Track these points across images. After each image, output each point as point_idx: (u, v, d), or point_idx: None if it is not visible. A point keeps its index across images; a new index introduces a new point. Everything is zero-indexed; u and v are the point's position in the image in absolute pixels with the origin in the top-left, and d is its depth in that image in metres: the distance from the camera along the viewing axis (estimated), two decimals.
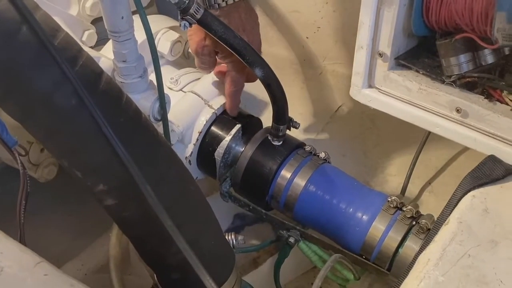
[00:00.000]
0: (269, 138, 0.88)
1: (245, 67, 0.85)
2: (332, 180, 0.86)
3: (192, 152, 0.90)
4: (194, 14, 0.71)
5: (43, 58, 0.54)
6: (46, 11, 0.58)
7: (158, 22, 1.00)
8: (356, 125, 1.20)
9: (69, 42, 0.58)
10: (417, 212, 0.80)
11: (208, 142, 0.90)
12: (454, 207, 0.70)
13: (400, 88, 0.81)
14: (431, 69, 0.79)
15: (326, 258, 0.86)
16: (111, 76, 0.71)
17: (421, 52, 0.82)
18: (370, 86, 0.84)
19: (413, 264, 0.67)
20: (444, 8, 0.74)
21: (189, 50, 0.90)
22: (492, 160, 0.74)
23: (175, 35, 0.98)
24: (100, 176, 0.60)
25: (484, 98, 0.75)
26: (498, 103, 0.74)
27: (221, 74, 0.91)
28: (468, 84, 0.76)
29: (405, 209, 0.80)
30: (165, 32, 0.99)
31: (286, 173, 0.86)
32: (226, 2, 0.81)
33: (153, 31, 0.71)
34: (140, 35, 0.73)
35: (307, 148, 0.89)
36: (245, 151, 0.88)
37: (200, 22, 0.73)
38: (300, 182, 0.85)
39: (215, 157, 0.89)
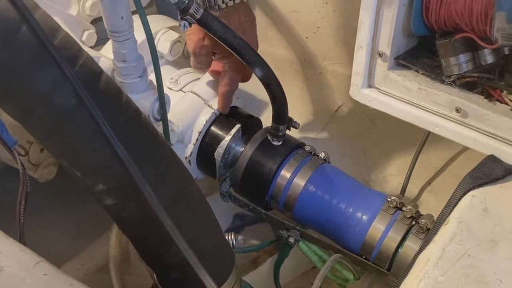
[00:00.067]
0: (269, 138, 0.88)
1: (241, 68, 0.85)
2: (332, 180, 0.86)
3: (192, 152, 0.90)
4: (194, 14, 0.71)
5: (42, 58, 0.54)
6: (45, 11, 0.58)
7: (157, 22, 1.00)
8: (356, 125, 1.20)
9: (69, 41, 0.58)
10: (417, 212, 0.80)
11: (208, 142, 0.90)
12: (453, 207, 0.70)
13: (399, 88, 0.81)
14: (431, 69, 0.79)
15: (326, 258, 0.86)
16: (110, 76, 0.71)
17: (421, 52, 0.82)
18: (370, 86, 0.84)
19: (413, 264, 0.67)
20: (443, 8, 0.74)
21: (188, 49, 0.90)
22: (491, 160, 0.74)
23: (174, 35, 0.98)
24: (99, 176, 0.60)
25: (484, 98, 0.75)
26: (497, 103, 0.74)
27: (216, 74, 0.91)
28: (467, 84, 0.76)
29: (404, 209, 0.80)
30: (165, 32, 0.99)
31: (286, 173, 0.86)
32: (226, 4, 0.81)
33: (152, 31, 0.71)
34: (139, 35, 0.73)
35: (307, 148, 0.89)
36: (245, 151, 0.88)
37: (200, 22, 0.73)
38: (300, 182, 0.85)
39: (215, 157, 0.89)
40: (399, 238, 0.78)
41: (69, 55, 0.56)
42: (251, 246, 0.98)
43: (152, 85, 0.79)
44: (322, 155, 0.89)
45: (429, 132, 0.88)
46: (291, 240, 0.88)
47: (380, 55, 0.80)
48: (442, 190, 1.07)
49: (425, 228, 0.77)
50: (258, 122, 0.96)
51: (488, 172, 0.72)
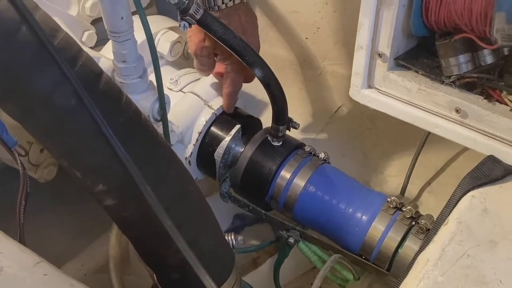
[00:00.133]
0: (269, 138, 0.88)
1: (244, 68, 0.85)
2: (332, 181, 0.86)
3: (191, 153, 0.90)
4: (194, 14, 0.71)
5: (42, 58, 0.54)
6: (45, 11, 0.58)
7: (157, 23, 1.00)
8: (356, 125, 1.20)
9: (69, 42, 0.58)
10: (417, 212, 0.80)
11: (207, 143, 0.90)
12: (453, 207, 0.70)
13: (399, 88, 0.81)
14: (431, 70, 0.79)
15: (326, 259, 0.86)
16: (110, 77, 0.71)
17: (421, 52, 0.82)
18: (370, 86, 0.84)
19: (413, 264, 0.67)
20: (443, 9, 0.74)
21: (189, 51, 0.90)
22: (491, 160, 0.74)
23: (174, 36, 0.98)
24: (99, 176, 0.60)
25: (484, 98, 0.75)
26: (497, 103, 0.74)
27: (220, 75, 0.91)
28: (467, 85, 0.76)
29: (404, 209, 0.80)
30: (165, 33, 0.99)
31: (285, 174, 0.86)
32: (226, 4, 0.81)
33: (152, 32, 0.71)
34: (139, 36, 0.73)
35: (307, 149, 0.89)
36: (245, 151, 0.88)
37: (200, 22, 0.73)
38: (300, 182, 0.85)
39: (215, 157, 0.89)
40: (399, 239, 0.78)
41: (69, 55, 0.56)
42: (251, 246, 0.98)
43: (152, 85, 0.80)
44: (322, 155, 0.89)
45: (429, 133, 0.88)
46: (291, 240, 0.88)
47: (380, 55, 0.80)
48: (442, 190, 1.07)
49: (424, 229, 0.77)
50: (258, 123, 0.96)
51: (488, 172, 0.72)
